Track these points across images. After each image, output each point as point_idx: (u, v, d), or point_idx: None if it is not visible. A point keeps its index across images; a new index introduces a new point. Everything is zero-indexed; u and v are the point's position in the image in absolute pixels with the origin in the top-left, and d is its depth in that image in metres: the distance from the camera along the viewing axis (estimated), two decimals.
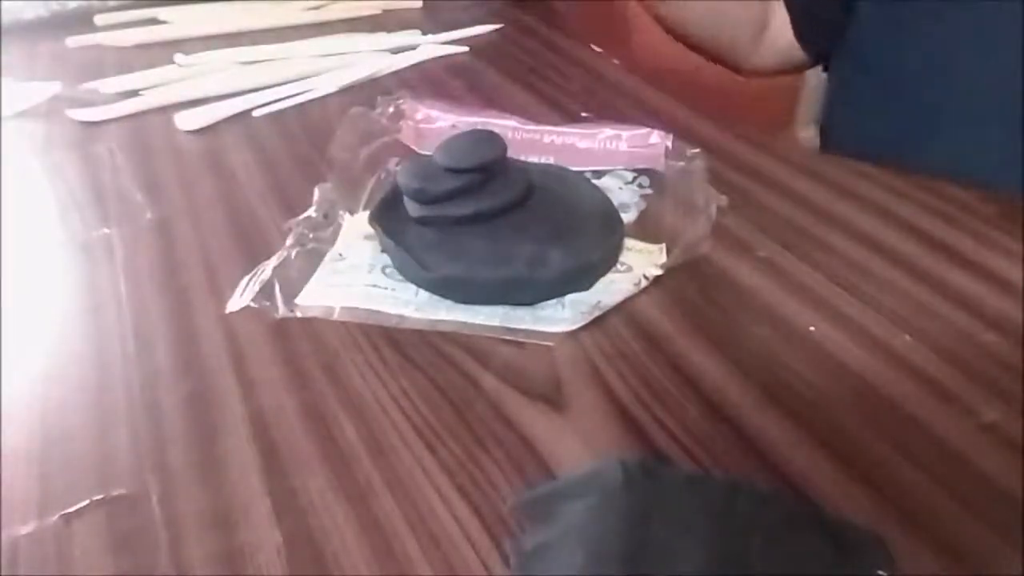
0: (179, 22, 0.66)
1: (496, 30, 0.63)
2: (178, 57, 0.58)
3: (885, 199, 0.39)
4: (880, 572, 0.21)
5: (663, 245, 0.36)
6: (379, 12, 0.68)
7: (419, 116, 0.47)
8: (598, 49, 0.60)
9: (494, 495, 0.25)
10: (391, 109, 0.47)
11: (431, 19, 0.66)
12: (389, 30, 0.63)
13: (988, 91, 0.45)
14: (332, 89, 0.53)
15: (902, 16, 0.48)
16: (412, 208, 0.35)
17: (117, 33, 0.64)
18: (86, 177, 0.44)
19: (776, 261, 0.35)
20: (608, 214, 0.36)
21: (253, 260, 0.35)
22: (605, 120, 0.46)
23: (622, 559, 0.21)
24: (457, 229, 0.34)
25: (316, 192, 0.39)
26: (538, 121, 0.46)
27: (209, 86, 0.54)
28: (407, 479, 0.26)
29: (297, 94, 0.53)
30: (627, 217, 0.37)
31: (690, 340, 0.31)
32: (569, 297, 0.33)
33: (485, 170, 0.34)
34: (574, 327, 0.31)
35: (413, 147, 0.44)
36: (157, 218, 0.40)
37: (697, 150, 0.41)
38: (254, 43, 0.60)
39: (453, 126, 0.46)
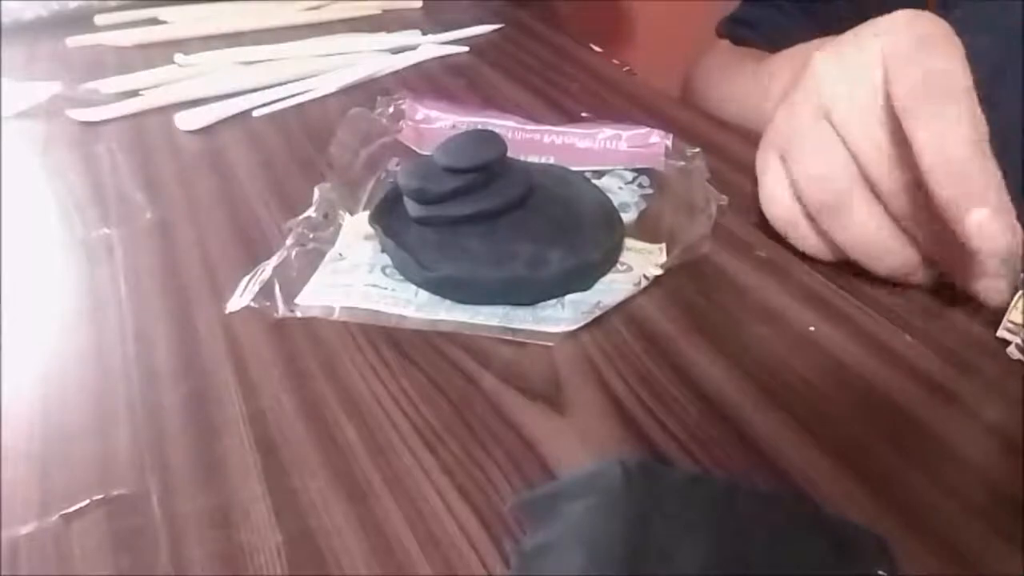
0: (179, 22, 0.66)
1: (496, 30, 0.63)
2: (178, 57, 0.58)
3: None
4: (880, 572, 0.21)
5: (663, 245, 0.36)
6: (379, 12, 0.68)
7: (419, 116, 0.47)
8: (598, 49, 0.61)
9: (494, 495, 0.25)
10: (391, 109, 0.47)
11: (431, 19, 0.66)
12: (389, 30, 0.63)
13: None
14: (332, 89, 0.53)
15: None
16: (412, 208, 0.35)
17: (117, 33, 0.64)
18: (86, 177, 0.44)
19: (776, 261, 0.35)
20: (608, 214, 0.36)
21: (253, 260, 0.35)
22: (605, 120, 0.46)
23: (622, 559, 0.21)
24: (457, 229, 0.34)
25: (316, 192, 0.39)
26: (538, 121, 0.46)
27: (209, 86, 0.54)
28: (407, 479, 0.26)
29: (297, 94, 0.53)
30: (627, 217, 0.37)
31: (690, 340, 0.31)
32: (569, 297, 0.33)
33: (485, 170, 0.34)
34: (574, 327, 0.31)
35: (413, 147, 0.44)
36: (157, 218, 0.40)
37: (697, 150, 0.41)
38: (254, 43, 0.60)
39: (453, 126, 0.46)
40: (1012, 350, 0.29)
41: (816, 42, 0.44)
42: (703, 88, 0.63)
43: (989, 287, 0.30)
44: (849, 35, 0.34)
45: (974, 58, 0.30)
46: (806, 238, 0.34)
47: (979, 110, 0.29)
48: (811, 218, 0.33)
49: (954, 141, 0.28)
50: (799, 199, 0.33)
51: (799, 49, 0.47)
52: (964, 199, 0.27)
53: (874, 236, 0.32)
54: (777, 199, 0.35)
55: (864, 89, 0.31)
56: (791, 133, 0.34)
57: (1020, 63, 0.43)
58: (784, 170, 0.34)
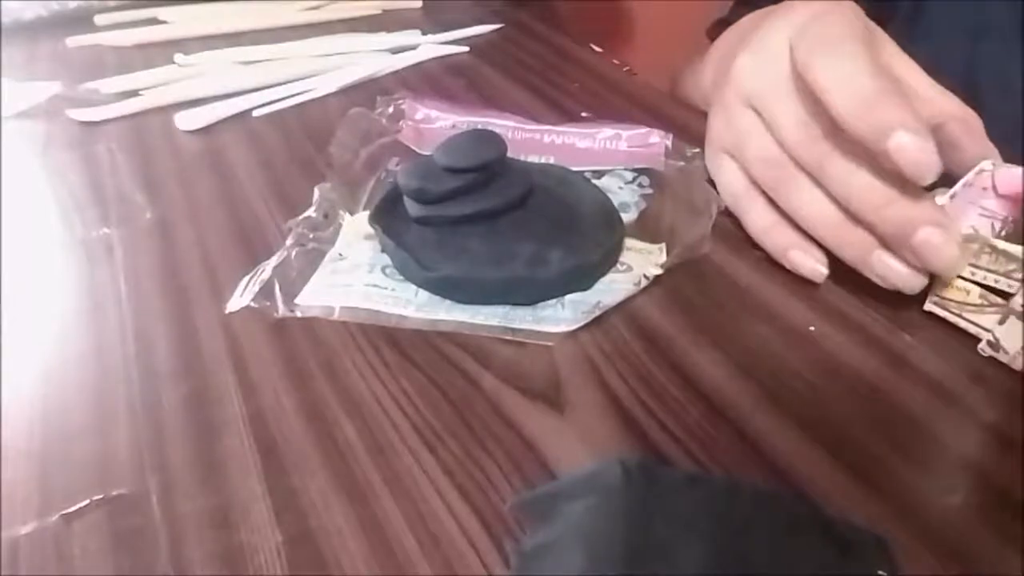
0: (179, 22, 0.66)
1: (496, 30, 0.63)
2: (178, 57, 0.58)
3: None
4: (881, 572, 0.21)
5: (663, 245, 0.36)
6: (379, 12, 0.68)
7: (419, 116, 0.47)
8: (598, 49, 0.61)
9: (494, 495, 0.25)
10: (391, 109, 0.47)
11: (431, 19, 0.66)
12: (389, 30, 0.63)
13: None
14: (332, 89, 0.53)
15: None
16: (412, 208, 0.35)
17: (117, 33, 0.64)
18: (86, 177, 0.44)
19: (776, 261, 0.35)
20: (608, 214, 0.36)
21: (253, 260, 0.35)
22: (605, 120, 0.46)
23: (622, 559, 0.21)
24: (457, 229, 0.34)
25: (316, 192, 0.39)
26: (538, 121, 0.46)
27: (209, 86, 0.54)
28: (407, 479, 0.26)
29: (297, 94, 0.53)
30: (627, 217, 0.37)
31: (690, 340, 0.31)
32: (569, 297, 0.33)
33: (485, 170, 0.34)
34: (574, 327, 0.31)
35: (413, 147, 0.44)
36: (157, 218, 0.40)
37: (697, 150, 0.41)
38: (254, 43, 0.60)
39: (453, 126, 0.46)
40: (984, 347, 0.30)
41: (732, 28, 0.46)
42: (685, 88, 0.63)
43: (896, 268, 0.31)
44: (757, 32, 0.36)
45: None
46: (765, 216, 0.35)
47: (885, 53, 0.31)
48: (768, 198, 0.35)
49: (856, 75, 0.29)
50: (754, 182, 0.35)
51: (723, 36, 0.49)
52: (880, 127, 0.28)
53: (825, 218, 0.32)
54: (733, 185, 0.36)
55: (778, 76, 0.33)
56: (730, 130, 0.36)
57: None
58: (735, 163, 0.36)
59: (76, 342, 0.32)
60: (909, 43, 0.35)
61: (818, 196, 0.32)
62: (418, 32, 0.62)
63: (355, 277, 0.34)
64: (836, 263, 0.35)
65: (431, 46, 0.60)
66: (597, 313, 0.32)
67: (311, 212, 0.38)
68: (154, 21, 0.66)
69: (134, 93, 0.53)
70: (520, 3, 0.69)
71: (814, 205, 0.32)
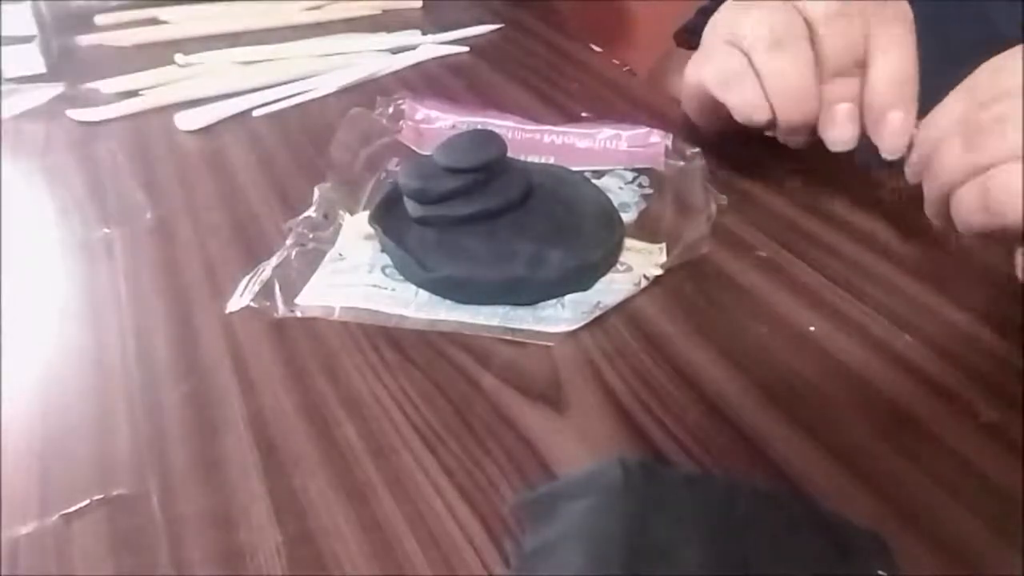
0: (179, 22, 0.65)
1: (496, 30, 0.63)
2: (178, 57, 0.58)
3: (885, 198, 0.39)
4: (880, 572, 0.21)
5: (663, 245, 0.36)
6: (379, 12, 0.68)
7: (419, 116, 0.47)
8: (598, 49, 0.60)
9: (494, 495, 0.25)
10: (391, 109, 0.47)
11: (431, 19, 0.66)
12: (389, 30, 0.63)
13: None
14: (332, 89, 0.53)
15: None
16: (412, 208, 0.35)
17: (117, 33, 0.64)
18: (86, 177, 0.44)
19: (776, 261, 0.35)
20: (608, 214, 0.36)
21: (253, 260, 0.35)
22: (605, 120, 0.46)
23: (622, 559, 0.21)
24: (457, 229, 0.34)
25: (316, 192, 0.39)
26: (538, 121, 0.46)
27: (209, 86, 0.54)
28: (407, 479, 0.26)
29: (297, 94, 0.53)
30: (627, 217, 0.37)
31: (690, 340, 0.31)
32: (569, 297, 0.33)
33: (485, 170, 0.34)
34: (574, 327, 0.31)
35: (413, 147, 0.44)
36: (157, 218, 0.40)
37: (697, 150, 0.41)
38: (254, 43, 0.60)
39: (453, 126, 0.46)
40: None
41: None
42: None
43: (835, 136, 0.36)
44: None
45: None
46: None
47: None
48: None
49: None
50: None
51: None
52: None
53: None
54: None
55: None
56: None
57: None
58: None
59: (76, 342, 0.32)
60: None
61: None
62: (418, 32, 0.62)
63: (355, 277, 0.34)
64: (832, 260, 0.35)
65: (431, 46, 0.60)
66: (597, 313, 0.32)
67: (311, 212, 0.38)
68: (154, 21, 0.66)
69: (134, 93, 0.53)
70: (520, 3, 0.69)
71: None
